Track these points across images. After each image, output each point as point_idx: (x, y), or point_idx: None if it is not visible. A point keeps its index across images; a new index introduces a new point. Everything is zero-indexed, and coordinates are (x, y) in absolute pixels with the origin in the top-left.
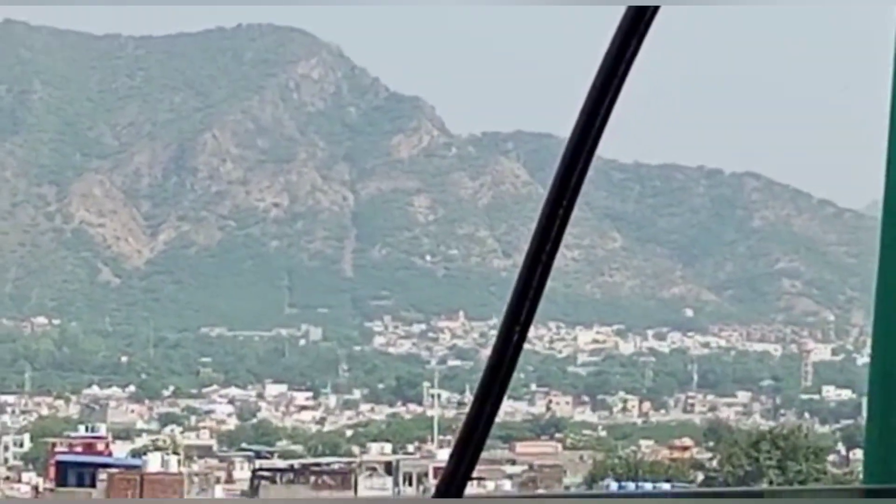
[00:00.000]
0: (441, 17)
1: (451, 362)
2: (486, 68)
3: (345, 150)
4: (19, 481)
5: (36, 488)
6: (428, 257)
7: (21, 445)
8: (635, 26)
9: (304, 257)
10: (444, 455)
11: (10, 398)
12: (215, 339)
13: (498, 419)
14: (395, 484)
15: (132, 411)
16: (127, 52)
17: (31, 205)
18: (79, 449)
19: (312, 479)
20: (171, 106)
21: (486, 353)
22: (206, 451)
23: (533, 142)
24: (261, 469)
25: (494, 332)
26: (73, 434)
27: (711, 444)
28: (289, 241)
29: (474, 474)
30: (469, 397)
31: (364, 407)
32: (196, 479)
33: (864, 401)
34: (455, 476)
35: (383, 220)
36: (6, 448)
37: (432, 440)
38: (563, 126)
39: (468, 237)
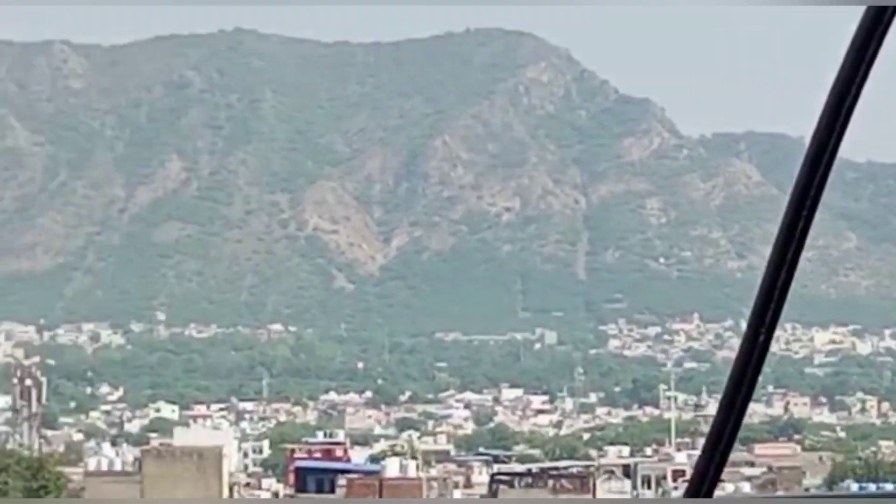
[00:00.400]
0: (670, 18)
1: (687, 364)
2: (716, 68)
3: (575, 153)
4: (259, 487)
5: (276, 494)
6: (661, 259)
7: (260, 452)
8: (875, 26)
9: (537, 261)
10: (681, 458)
11: (249, 405)
12: (450, 344)
13: None
14: (634, 487)
15: (369, 417)
16: (357, 60)
17: (265, 213)
18: (318, 455)
19: (550, 482)
20: (401, 112)
21: (722, 354)
22: (443, 456)
23: (765, 142)
24: (499, 473)
25: (730, 334)
26: (311, 440)
27: None
28: (521, 244)
29: None
30: (706, 399)
31: (600, 410)
32: (434, 483)
33: None
34: (704, 478)
35: (615, 223)
36: (246, 455)
37: (670, 443)
38: (796, 126)
39: (701, 239)
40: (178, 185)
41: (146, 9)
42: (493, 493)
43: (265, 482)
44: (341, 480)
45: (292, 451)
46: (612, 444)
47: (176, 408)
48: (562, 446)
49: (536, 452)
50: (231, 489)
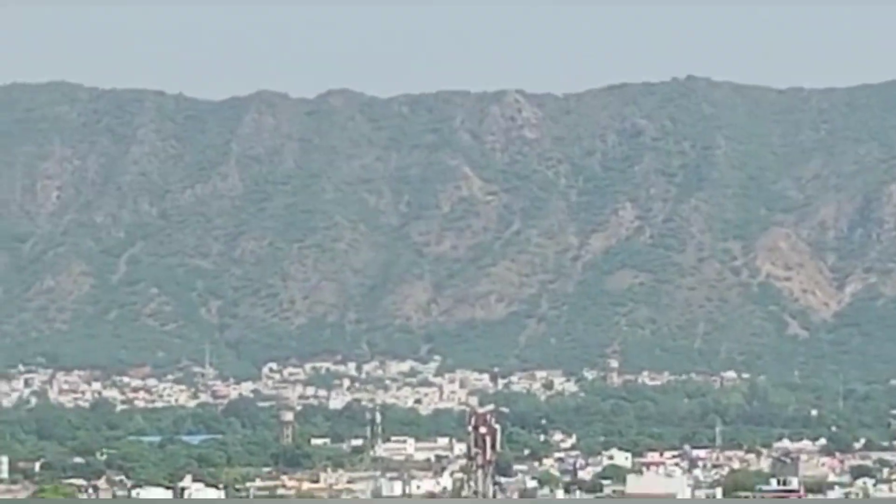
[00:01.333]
0: None
1: None
2: None
3: None
4: None
5: None
6: None
7: (714, 499)
8: None
9: None
10: None
11: (702, 452)
12: None
13: None
14: None
15: (823, 464)
16: (810, 105)
17: (718, 260)
18: None
19: None
20: (855, 158)
21: None
22: None
23: None
24: None
25: None
26: (765, 488)
27: None
28: None
29: None
30: None
31: None
32: None
33: None
34: None
35: None
36: None
37: None
38: None
39: None
40: (632, 233)
41: (598, 58)
42: None
43: None
44: None
45: (746, 498)
46: None
47: (629, 455)
48: None
49: None
50: None
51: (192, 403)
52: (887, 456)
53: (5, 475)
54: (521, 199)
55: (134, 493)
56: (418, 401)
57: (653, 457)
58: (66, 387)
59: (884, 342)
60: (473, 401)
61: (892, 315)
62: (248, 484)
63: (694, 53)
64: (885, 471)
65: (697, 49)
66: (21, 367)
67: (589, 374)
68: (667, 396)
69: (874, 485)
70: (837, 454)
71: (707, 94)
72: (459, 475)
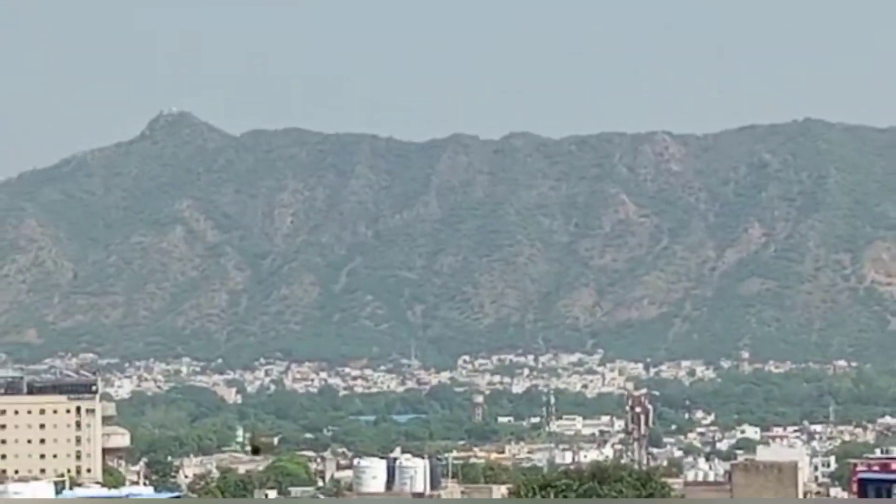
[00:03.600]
0: None
1: None
2: None
3: None
4: (828, 495)
5: None
6: None
7: (828, 466)
8: None
9: None
10: None
11: (818, 427)
12: None
13: None
14: None
15: None
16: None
17: (831, 269)
18: (876, 468)
19: None
20: None
21: None
22: None
23: None
24: None
25: None
26: (870, 456)
27: None
28: None
29: None
30: None
31: None
32: None
33: None
34: None
35: None
36: (816, 468)
37: None
38: None
39: None
40: (759, 248)
41: (732, 103)
42: None
43: (832, 491)
44: None
45: (854, 465)
46: None
47: (758, 429)
48: None
49: None
50: (804, 496)
51: (401, 389)
52: None
53: (249, 447)
54: (668, 221)
55: (355, 461)
56: (585, 386)
57: (777, 431)
58: (298, 376)
59: None
60: (630, 386)
61: None
62: (446, 455)
63: (811, 98)
64: None
65: (815, 95)
66: (262, 360)
67: (725, 364)
68: (789, 381)
69: None
70: None
71: (822, 133)
72: (619, 446)
